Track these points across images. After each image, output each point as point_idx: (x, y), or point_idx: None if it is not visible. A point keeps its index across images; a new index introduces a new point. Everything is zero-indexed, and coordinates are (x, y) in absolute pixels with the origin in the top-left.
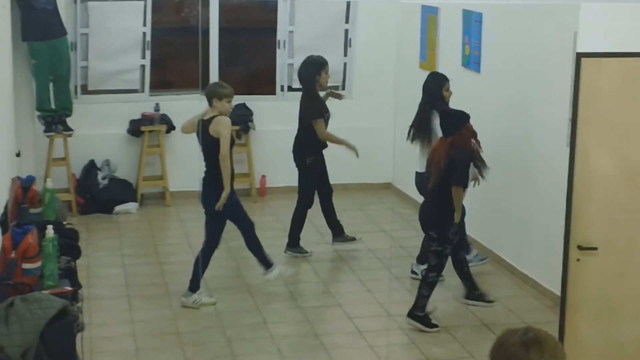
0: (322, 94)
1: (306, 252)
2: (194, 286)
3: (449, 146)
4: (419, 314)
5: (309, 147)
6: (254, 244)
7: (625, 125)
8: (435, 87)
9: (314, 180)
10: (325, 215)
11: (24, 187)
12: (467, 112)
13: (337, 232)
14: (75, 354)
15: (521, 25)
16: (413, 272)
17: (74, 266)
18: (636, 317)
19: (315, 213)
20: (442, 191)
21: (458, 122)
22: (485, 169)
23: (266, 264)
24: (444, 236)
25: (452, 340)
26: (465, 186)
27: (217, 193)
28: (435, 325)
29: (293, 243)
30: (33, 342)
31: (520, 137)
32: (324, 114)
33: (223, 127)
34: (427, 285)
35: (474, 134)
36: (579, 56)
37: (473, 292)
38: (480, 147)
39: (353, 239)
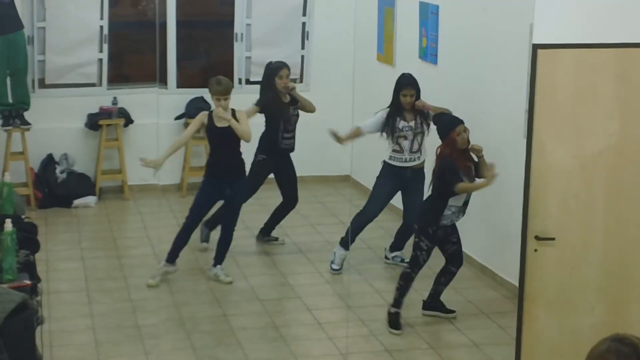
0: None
1: (276, 239)
2: None
3: (440, 151)
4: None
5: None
6: (226, 241)
7: (581, 117)
8: (394, 89)
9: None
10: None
11: None
12: None
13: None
14: (35, 347)
15: (477, 17)
16: (386, 257)
17: (32, 260)
18: (593, 307)
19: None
20: (433, 191)
21: (446, 129)
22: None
23: (218, 260)
24: (423, 230)
25: (411, 331)
26: (459, 180)
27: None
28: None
29: (267, 231)
30: None
31: (477, 128)
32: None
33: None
34: (400, 278)
35: (463, 141)
36: (535, 47)
37: (435, 303)
38: (470, 155)
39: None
